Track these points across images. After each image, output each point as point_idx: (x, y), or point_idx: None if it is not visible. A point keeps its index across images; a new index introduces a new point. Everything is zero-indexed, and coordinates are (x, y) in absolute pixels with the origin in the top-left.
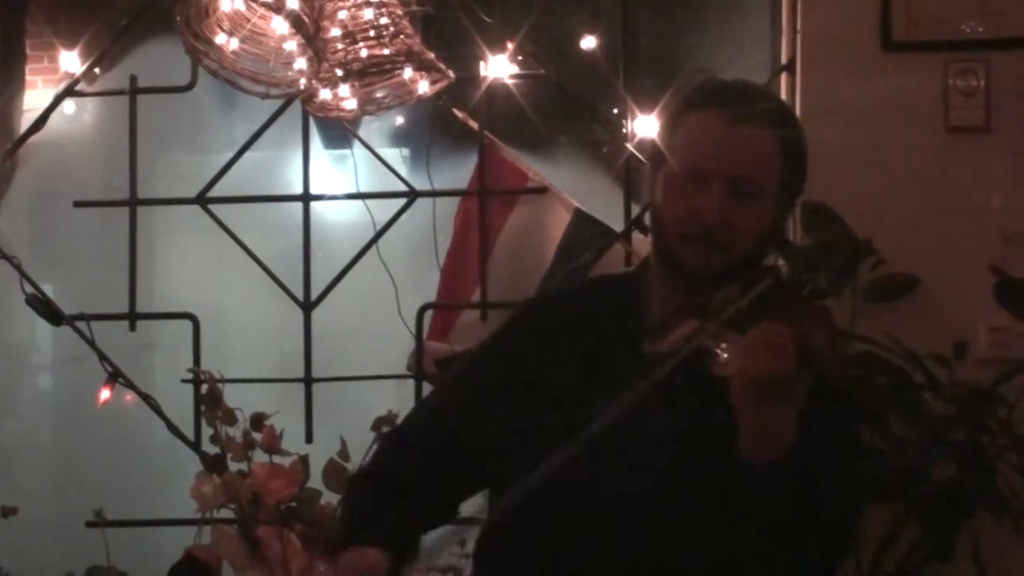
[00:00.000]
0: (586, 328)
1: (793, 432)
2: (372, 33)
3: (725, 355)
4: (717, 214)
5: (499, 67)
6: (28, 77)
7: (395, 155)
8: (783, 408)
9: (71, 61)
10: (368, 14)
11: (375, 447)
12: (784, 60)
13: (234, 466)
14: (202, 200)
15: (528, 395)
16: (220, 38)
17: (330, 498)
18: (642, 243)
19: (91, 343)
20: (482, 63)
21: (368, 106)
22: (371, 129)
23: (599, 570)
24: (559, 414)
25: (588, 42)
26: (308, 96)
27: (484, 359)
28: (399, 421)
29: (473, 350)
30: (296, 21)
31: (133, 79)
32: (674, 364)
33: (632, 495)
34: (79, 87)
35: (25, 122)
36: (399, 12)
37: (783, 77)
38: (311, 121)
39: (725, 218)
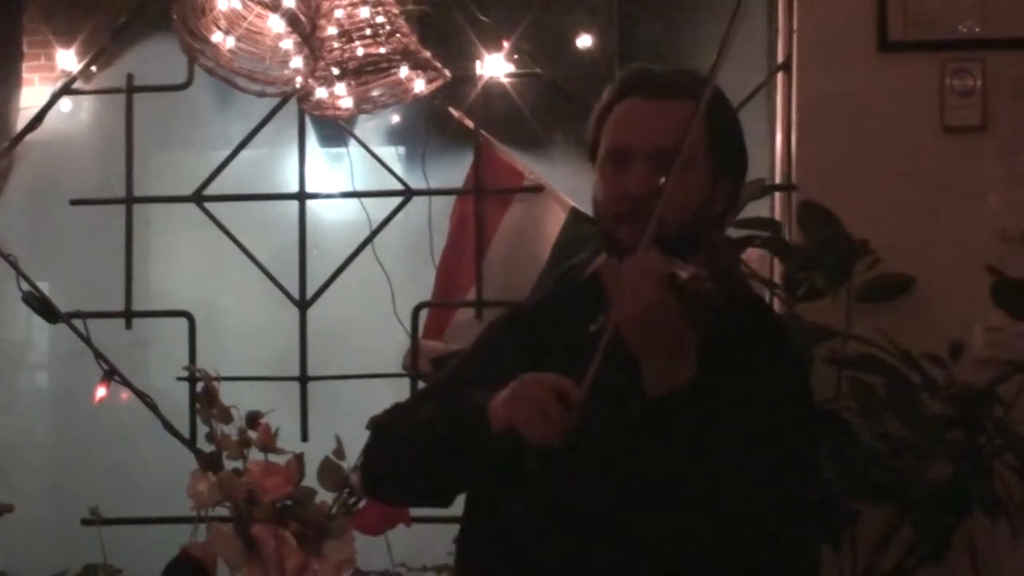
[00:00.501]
0: (555, 323)
1: (688, 364)
2: (368, 32)
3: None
4: (640, 187)
5: (495, 66)
6: (25, 75)
7: (391, 153)
8: (667, 338)
9: (68, 59)
10: (364, 13)
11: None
12: (780, 59)
13: (229, 464)
14: (198, 198)
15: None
16: (216, 36)
17: (325, 497)
18: None
19: (87, 341)
20: (478, 62)
21: (364, 104)
22: (367, 128)
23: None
24: None
25: (584, 41)
26: (304, 94)
27: (472, 354)
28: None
29: (467, 349)
30: (292, 19)
31: (130, 77)
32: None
33: (583, 471)
34: (76, 85)
35: (22, 120)
36: (395, 11)
37: (779, 77)
38: (307, 119)
39: (651, 188)
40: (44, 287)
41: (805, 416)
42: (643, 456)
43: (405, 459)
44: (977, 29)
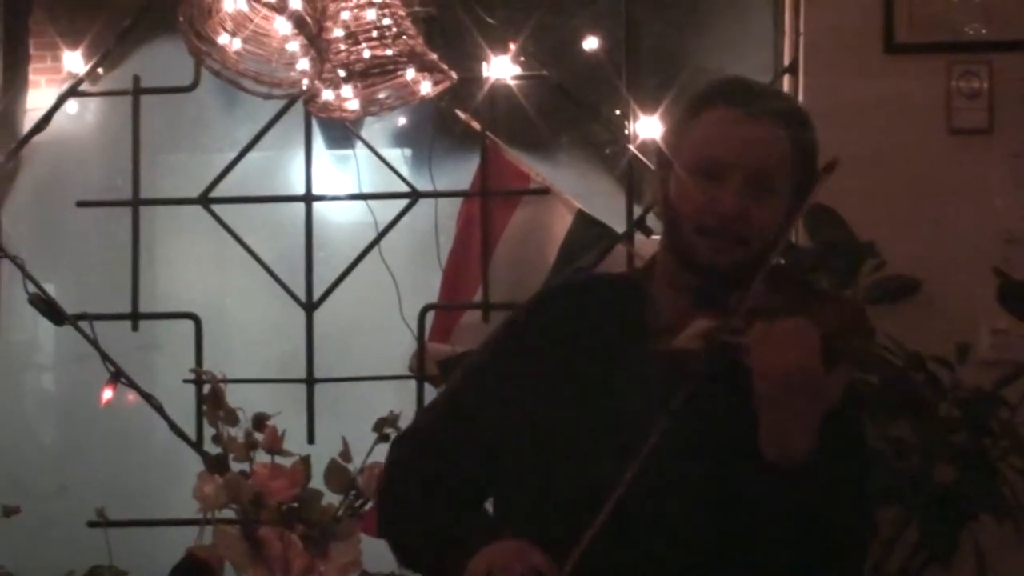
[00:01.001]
0: (591, 324)
1: (815, 434)
2: (375, 34)
3: (750, 346)
4: (736, 206)
5: (501, 68)
6: (32, 77)
7: (397, 156)
8: (807, 406)
9: (74, 61)
10: (371, 15)
11: (390, 457)
12: (787, 62)
13: (236, 466)
14: (205, 200)
15: (539, 394)
16: (223, 38)
17: (332, 499)
18: (644, 244)
19: (93, 343)
20: (484, 64)
21: (370, 107)
22: (373, 130)
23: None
24: (572, 413)
25: (590, 43)
26: (311, 97)
27: (491, 360)
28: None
29: (479, 351)
30: (299, 22)
31: (136, 79)
32: (702, 361)
33: (658, 501)
34: (82, 87)
35: (28, 122)
36: (401, 13)
37: (786, 79)
38: (313, 122)
39: (743, 210)
40: (51, 289)
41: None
42: (750, 522)
43: (410, 541)
44: (983, 31)
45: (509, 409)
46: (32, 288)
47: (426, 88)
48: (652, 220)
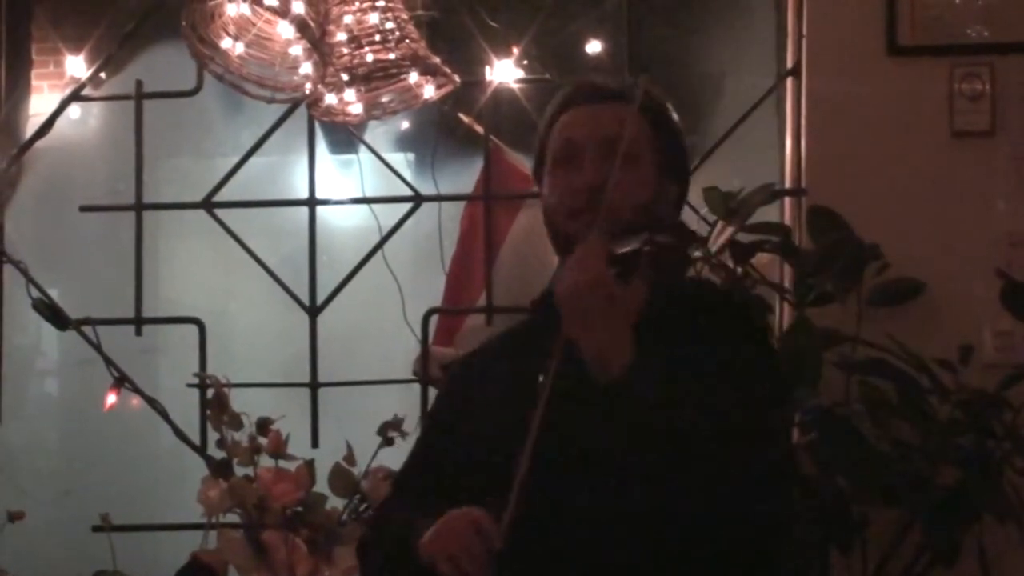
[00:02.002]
0: (511, 356)
1: (627, 349)
2: (378, 38)
3: None
4: (593, 175)
5: (505, 72)
6: (34, 82)
7: (400, 160)
8: (604, 319)
9: (77, 66)
10: (374, 18)
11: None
12: (790, 64)
13: (240, 470)
14: (208, 205)
15: (469, 425)
16: (226, 43)
17: (336, 503)
18: None
19: (97, 347)
20: (487, 68)
21: (374, 111)
22: (376, 134)
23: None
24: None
25: (593, 47)
26: (314, 101)
27: (434, 412)
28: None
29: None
30: (302, 25)
31: (139, 84)
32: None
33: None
34: (85, 92)
35: (31, 127)
36: (405, 17)
37: (789, 81)
38: (317, 126)
39: (603, 180)
40: (54, 294)
41: (766, 376)
42: (602, 443)
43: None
44: (986, 33)
45: (459, 448)
46: (35, 293)
47: (429, 92)
48: None
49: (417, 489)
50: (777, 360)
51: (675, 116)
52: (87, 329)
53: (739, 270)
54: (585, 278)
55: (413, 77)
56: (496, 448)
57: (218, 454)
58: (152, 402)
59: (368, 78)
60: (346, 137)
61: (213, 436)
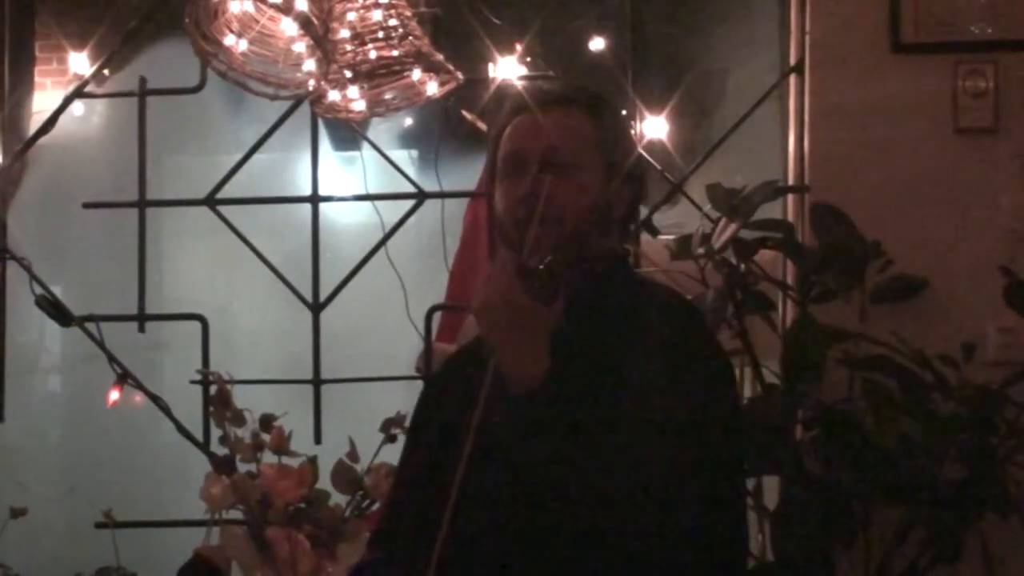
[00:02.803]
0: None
1: (541, 361)
2: (381, 34)
3: None
4: (534, 185)
5: (508, 68)
6: (37, 79)
7: (404, 156)
8: (516, 331)
9: (80, 63)
10: (377, 15)
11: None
12: (793, 62)
13: (243, 467)
14: (211, 201)
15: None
16: (229, 39)
17: (339, 499)
18: (649, 244)
19: (100, 344)
20: (491, 64)
21: (377, 107)
22: (380, 130)
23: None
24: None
25: (596, 43)
26: (317, 98)
27: (408, 443)
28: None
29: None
30: (305, 23)
31: (142, 81)
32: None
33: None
34: (88, 89)
35: (34, 124)
36: (408, 13)
37: (792, 79)
38: (320, 123)
39: (541, 190)
40: (57, 291)
41: (702, 382)
42: (522, 455)
43: None
44: (989, 31)
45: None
46: (39, 290)
47: (432, 89)
48: (658, 220)
49: (398, 535)
50: (719, 364)
51: (620, 114)
52: (90, 326)
53: (742, 267)
54: (493, 292)
55: (416, 74)
56: (443, 458)
57: (221, 451)
58: (155, 399)
59: (371, 75)
60: (349, 134)
61: (216, 433)
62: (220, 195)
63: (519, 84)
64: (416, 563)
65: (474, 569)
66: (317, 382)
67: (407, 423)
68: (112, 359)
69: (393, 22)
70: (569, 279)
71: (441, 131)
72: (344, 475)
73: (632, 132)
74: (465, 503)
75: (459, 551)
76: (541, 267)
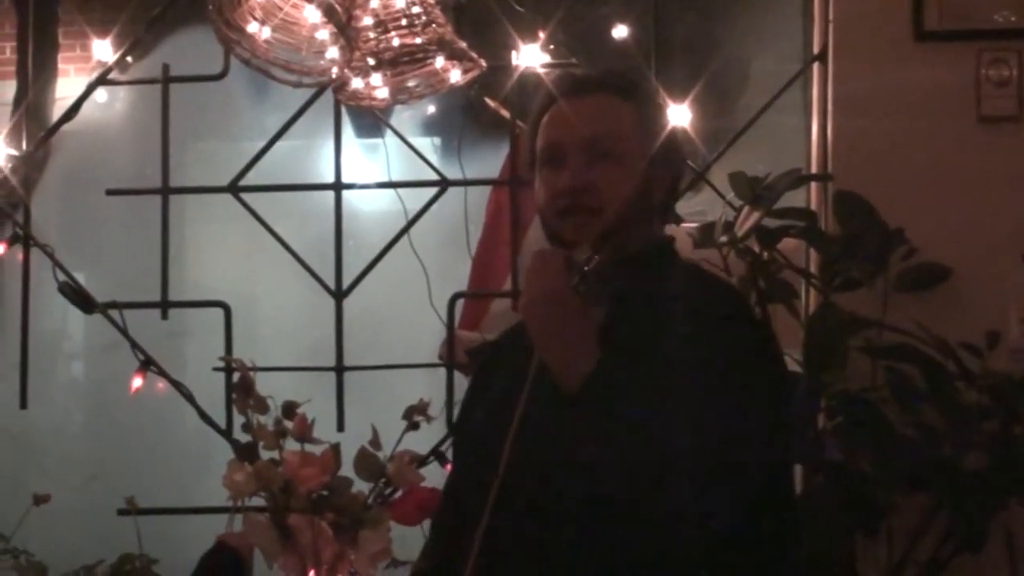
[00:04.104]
0: (507, 354)
1: (588, 358)
2: (404, 22)
3: None
4: (577, 177)
5: (531, 56)
6: (61, 65)
7: (426, 144)
8: (561, 327)
9: (104, 50)
10: (400, 3)
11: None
12: (816, 50)
13: (266, 454)
14: (234, 189)
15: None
16: (252, 27)
17: (361, 487)
18: (671, 231)
19: (123, 331)
20: (514, 52)
21: (400, 95)
22: (403, 118)
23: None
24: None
25: (620, 31)
26: (340, 85)
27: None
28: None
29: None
30: (328, 10)
31: (166, 68)
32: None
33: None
34: (112, 76)
35: (58, 111)
36: (431, 1)
37: (815, 67)
38: (343, 110)
39: (586, 180)
40: (80, 277)
41: (752, 382)
42: (568, 452)
43: None
44: (1013, 19)
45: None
46: (62, 276)
47: (455, 76)
48: (681, 208)
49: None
50: (771, 363)
51: (658, 98)
52: (113, 313)
53: (765, 255)
54: (539, 289)
55: (439, 62)
56: (485, 448)
57: (244, 438)
58: (178, 386)
59: (394, 62)
60: (372, 122)
61: (239, 420)
62: (243, 182)
63: (543, 72)
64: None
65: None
66: (340, 369)
67: (430, 411)
68: (135, 346)
69: (416, 9)
70: (613, 269)
71: (464, 119)
72: (367, 462)
73: (667, 117)
74: (511, 503)
75: (502, 547)
76: (587, 268)
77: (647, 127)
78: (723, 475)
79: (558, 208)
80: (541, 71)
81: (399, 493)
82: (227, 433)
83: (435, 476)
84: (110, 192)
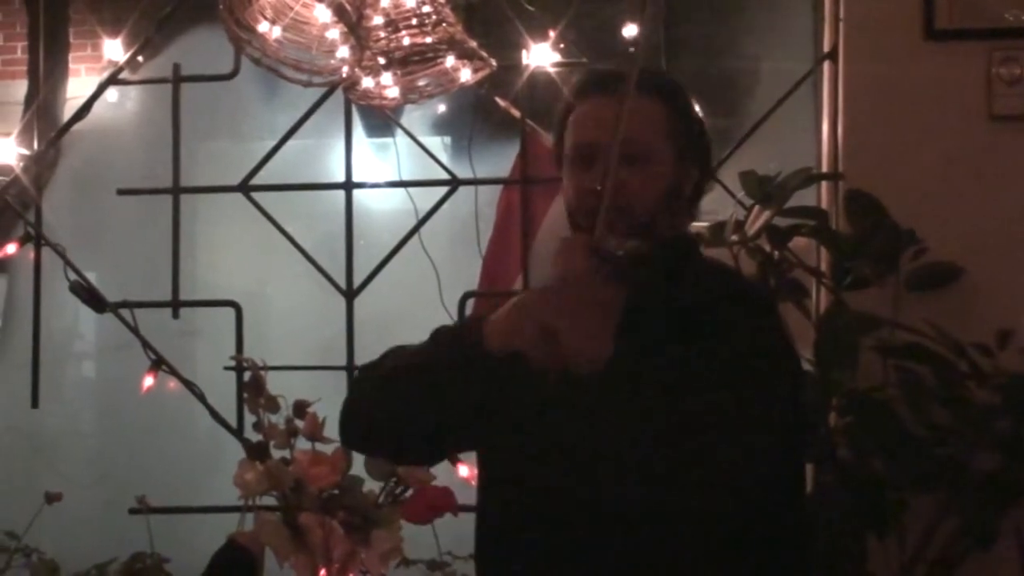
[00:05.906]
0: None
1: (607, 342)
2: (414, 21)
3: None
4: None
5: (541, 55)
6: (71, 65)
7: (437, 143)
8: (585, 312)
9: (114, 49)
10: (410, 2)
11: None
12: (827, 48)
13: (277, 453)
14: (245, 188)
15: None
16: (263, 26)
17: (372, 486)
18: None
19: (134, 330)
20: (524, 51)
21: (410, 94)
22: (413, 117)
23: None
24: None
25: (630, 30)
26: (350, 84)
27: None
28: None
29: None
30: (339, 9)
31: (176, 67)
32: None
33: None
34: (122, 75)
35: (69, 110)
36: (441, 0)
37: (826, 65)
38: (353, 109)
39: (617, 180)
40: (91, 277)
41: (772, 372)
42: (583, 436)
43: (394, 391)
44: None
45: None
46: (73, 276)
47: (466, 75)
48: None
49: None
50: (795, 356)
51: (688, 96)
52: (124, 312)
53: (776, 254)
54: (562, 272)
55: (450, 61)
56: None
57: (255, 437)
58: (189, 385)
59: (405, 62)
60: (382, 121)
61: (250, 419)
62: (254, 182)
63: (553, 71)
64: None
65: (537, 555)
66: (351, 368)
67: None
68: (146, 345)
69: (427, 9)
70: (638, 259)
71: (474, 118)
72: (377, 462)
73: (697, 113)
74: (528, 487)
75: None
76: (621, 252)
77: (677, 126)
78: (735, 464)
79: (587, 207)
80: (551, 70)
81: (410, 492)
82: (238, 432)
83: (446, 475)
84: (121, 192)
